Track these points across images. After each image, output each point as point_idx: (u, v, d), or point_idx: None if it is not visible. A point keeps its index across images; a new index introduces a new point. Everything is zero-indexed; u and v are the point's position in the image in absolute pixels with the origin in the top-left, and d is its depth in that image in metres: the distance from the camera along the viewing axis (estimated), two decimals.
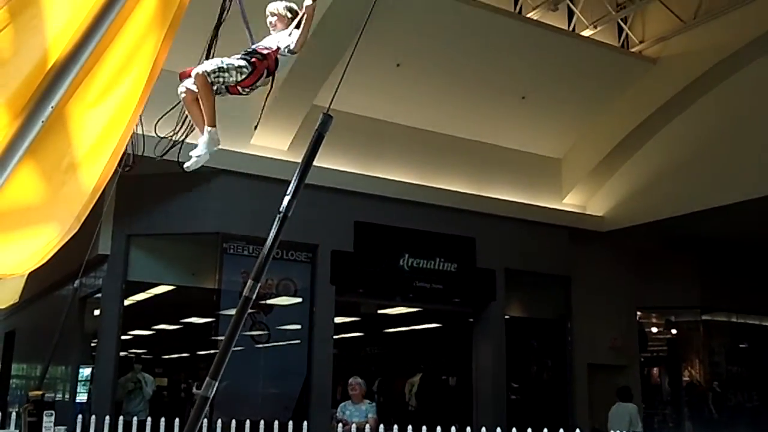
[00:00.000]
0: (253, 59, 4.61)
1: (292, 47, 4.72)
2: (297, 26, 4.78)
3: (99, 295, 13.40)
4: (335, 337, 14.45)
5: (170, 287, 14.31)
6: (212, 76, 4.47)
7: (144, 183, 11.80)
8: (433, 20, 13.43)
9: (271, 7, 4.93)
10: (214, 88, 4.52)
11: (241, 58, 4.59)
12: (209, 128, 4.58)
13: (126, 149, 4.29)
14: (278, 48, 4.72)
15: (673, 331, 19.52)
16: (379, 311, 17.71)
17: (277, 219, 3.06)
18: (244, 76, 4.56)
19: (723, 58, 14.39)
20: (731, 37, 14.19)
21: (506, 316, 16.16)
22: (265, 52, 4.67)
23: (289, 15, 4.88)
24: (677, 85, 15.14)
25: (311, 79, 12.50)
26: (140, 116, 2.97)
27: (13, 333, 19.90)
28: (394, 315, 18.14)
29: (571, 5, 14.93)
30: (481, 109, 15.37)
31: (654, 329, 19.67)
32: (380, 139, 14.70)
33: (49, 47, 2.42)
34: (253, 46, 4.71)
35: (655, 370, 19.61)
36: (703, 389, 18.88)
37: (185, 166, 4.70)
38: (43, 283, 14.41)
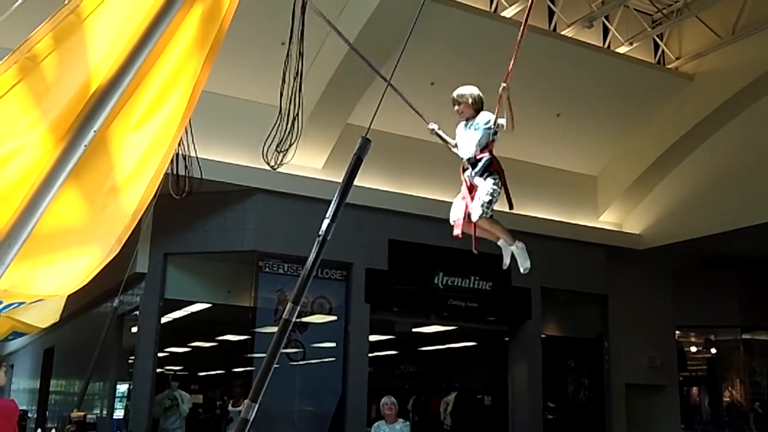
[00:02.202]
0: (492, 168, 5.07)
1: (504, 127, 5.08)
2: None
3: (136, 312, 13.54)
4: (370, 355, 14.44)
5: (206, 305, 14.42)
6: (489, 212, 5.03)
7: (181, 202, 11.90)
8: (467, 38, 13.44)
9: (460, 94, 5.29)
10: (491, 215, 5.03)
11: (486, 177, 5.04)
12: (517, 246, 5.41)
13: (178, 173, 4.38)
14: (493, 140, 5.13)
15: (713, 351, 19.21)
16: (414, 329, 17.68)
17: (316, 242, 3.07)
18: (499, 186, 5.09)
19: (762, 73, 14.22)
20: None
21: (542, 335, 16.02)
22: (488, 155, 5.08)
23: (477, 104, 5.26)
24: (715, 102, 14.98)
25: (346, 98, 12.57)
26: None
27: (52, 349, 20.15)
28: (428, 333, 18.09)
29: (606, 22, 14.85)
30: (516, 127, 15.30)
31: (693, 348, 19.38)
32: (414, 157, 14.69)
33: (91, 73, 2.46)
34: (472, 154, 5.09)
35: (695, 390, 19.31)
36: (744, 410, 18.53)
37: (504, 265, 5.46)
38: (81, 300, 14.60)
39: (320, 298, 13.80)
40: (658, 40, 15.63)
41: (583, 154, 16.47)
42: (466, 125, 5.30)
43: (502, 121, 5.06)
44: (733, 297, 17.94)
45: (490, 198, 5.04)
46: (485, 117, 5.19)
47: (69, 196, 2.59)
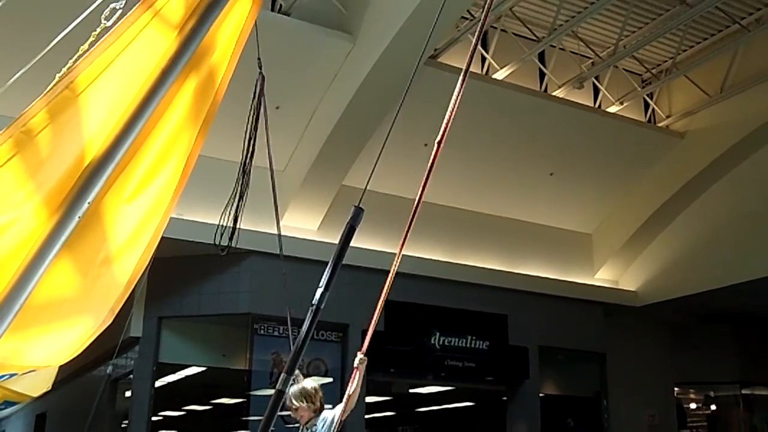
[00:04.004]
0: None
1: (337, 415, 4.61)
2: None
3: (130, 376, 13.40)
4: (367, 416, 14.25)
5: (201, 368, 14.27)
6: None
7: (175, 265, 11.89)
8: (460, 99, 13.57)
9: (292, 397, 4.86)
10: None
11: None
12: None
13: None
14: None
15: (713, 407, 19.04)
16: (411, 390, 17.48)
17: (309, 312, 3.06)
18: None
19: (752, 130, 14.38)
20: (759, 109, 14.19)
21: (541, 394, 15.87)
22: None
23: (314, 403, 4.84)
24: (706, 159, 15.10)
25: (340, 159, 12.65)
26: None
27: (44, 415, 19.86)
28: (426, 394, 17.89)
29: (596, 82, 15.06)
30: (510, 186, 15.41)
31: (693, 405, 19.21)
32: (409, 217, 14.70)
33: (86, 145, 2.49)
34: None
35: None
36: None
37: None
38: (74, 365, 14.42)
39: (316, 359, 13.67)
40: (648, 99, 15.84)
41: (577, 212, 16.52)
42: (305, 427, 4.95)
43: (336, 412, 4.61)
44: (731, 352, 17.84)
45: None
46: (324, 416, 4.81)
47: (62, 268, 2.59)
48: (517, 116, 14.23)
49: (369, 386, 13.99)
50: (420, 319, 14.49)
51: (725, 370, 17.84)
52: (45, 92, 2.41)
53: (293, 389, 4.77)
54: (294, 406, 4.78)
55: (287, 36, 11.44)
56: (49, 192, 2.46)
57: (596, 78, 14.90)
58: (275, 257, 12.98)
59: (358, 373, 4.42)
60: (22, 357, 2.80)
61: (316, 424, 4.73)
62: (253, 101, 4.56)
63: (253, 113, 4.52)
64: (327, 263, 3.33)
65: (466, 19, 12.99)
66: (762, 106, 14.11)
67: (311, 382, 4.91)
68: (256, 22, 2.87)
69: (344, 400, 4.43)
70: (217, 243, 4.67)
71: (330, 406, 4.70)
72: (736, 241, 15.05)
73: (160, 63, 2.53)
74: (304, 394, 4.79)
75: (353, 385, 4.41)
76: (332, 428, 4.57)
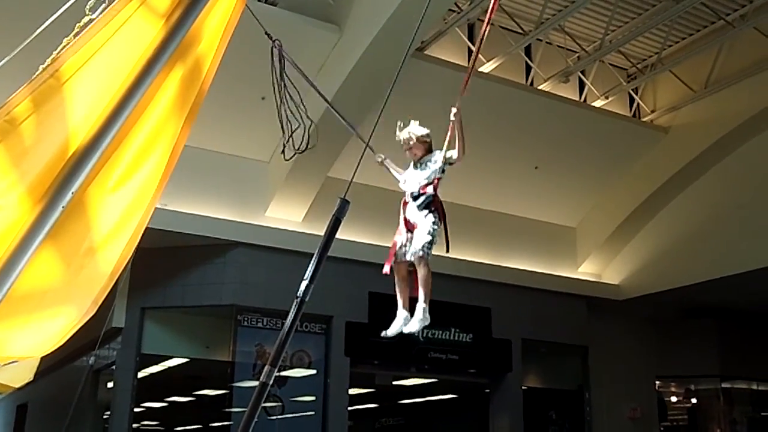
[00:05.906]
0: (434, 205, 4.92)
1: (455, 158, 4.94)
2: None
3: (113, 367, 13.34)
4: (350, 408, 14.26)
5: (184, 360, 14.24)
6: (428, 253, 4.82)
7: (158, 256, 11.85)
8: (445, 93, 13.56)
9: (411, 133, 5.11)
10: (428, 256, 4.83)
11: (426, 215, 4.87)
12: (424, 306, 4.91)
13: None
14: (440, 177, 4.96)
15: (693, 400, 19.19)
16: (394, 382, 17.51)
17: (294, 304, 3.05)
18: (439, 226, 4.92)
19: (735, 126, 14.45)
20: (743, 105, 14.27)
21: (523, 387, 15.93)
22: (431, 190, 4.93)
23: (427, 142, 5.10)
24: (691, 154, 15.17)
25: (325, 151, 12.59)
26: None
27: (26, 405, 19.76)
28: (409, 386, 17.94)
29: (582, 77, 15.09)
30: (495, 179, 15.42)
31: (674, 398, 19.36)
32: (394, 209, 14.68)
33: (70, 135, 2.47)
34: (416, 188, 4.96)
35: None
36: None
37: (387, 333, 5.06)
38: (56, 355, 14.35)
39: (299, 351, 13.66)
40: (633, 94, 15.89)
41: (561, 206, 16.56)
42: (416, 165, 5.19)
43: (451, 152, 4.95)
44: (712, 346, 17.98)
45: (431, 238, 4.89)
46: (436, 154, 5.09)
47: (46, 258, 2.57)
48: (502, 109, 14.23)
49: (352, 378, 14.01)
50: None
51: (706, 364, 17.98)
52: (30, 81, 2.39)
53: (414, 128, 5.17)
54: (413, 142, 5.11)
55: (274, 26, 11.32)
56: (33, 181, 2.44)
57: (582, 72, 14.93)
58: (260, 249, 13.05)
59: (456, 124, 4.93)
60: (4, 347, 2.78)
61: (430, 159, 5.08)
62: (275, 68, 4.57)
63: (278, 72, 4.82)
64: (312, 255, 3.33)
65: (454, 11, 12.97)
66: (746, 102, 14.19)
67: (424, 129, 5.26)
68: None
69: (458, 145, 4.89)
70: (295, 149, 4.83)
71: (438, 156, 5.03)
72: (719, 236, 15.14)
73: (146, 52, 2.51)
74: (421, 132, 5.15)
75: (459, 135, 4.90)
76: (440, 160, 4.96)
